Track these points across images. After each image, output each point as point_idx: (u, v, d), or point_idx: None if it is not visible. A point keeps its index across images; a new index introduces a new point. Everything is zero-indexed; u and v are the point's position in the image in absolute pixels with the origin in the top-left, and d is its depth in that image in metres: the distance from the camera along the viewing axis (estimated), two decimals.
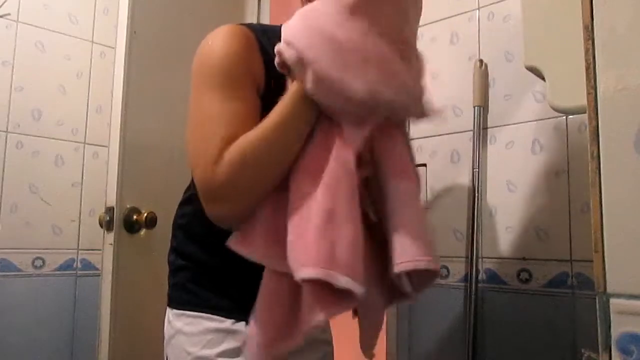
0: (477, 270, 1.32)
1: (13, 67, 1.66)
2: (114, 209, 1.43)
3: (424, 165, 1.47)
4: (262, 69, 0.85)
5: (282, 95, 0.81)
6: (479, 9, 1.41)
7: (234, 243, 0.79)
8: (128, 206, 1.46)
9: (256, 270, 0.81)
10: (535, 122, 1.29)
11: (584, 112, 0.48)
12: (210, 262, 0.91)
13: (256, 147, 0.77)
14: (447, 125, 1.44)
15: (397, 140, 0.85)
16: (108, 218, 1.43)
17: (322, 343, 1.05)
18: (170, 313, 0.94)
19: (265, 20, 2.17)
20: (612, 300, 0.44)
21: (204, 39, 0.91)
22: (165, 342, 0.94)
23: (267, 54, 0.85)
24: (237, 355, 0.84)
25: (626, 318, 0.44)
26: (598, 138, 0.46)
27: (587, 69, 0.47)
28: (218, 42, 0.86)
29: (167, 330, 0.94)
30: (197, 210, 0.84)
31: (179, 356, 0.88)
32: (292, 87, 0.80)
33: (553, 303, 1.21)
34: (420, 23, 1.53)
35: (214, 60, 0.85)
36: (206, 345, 0.86)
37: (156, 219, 1.48)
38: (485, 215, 1.34)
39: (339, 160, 0.76)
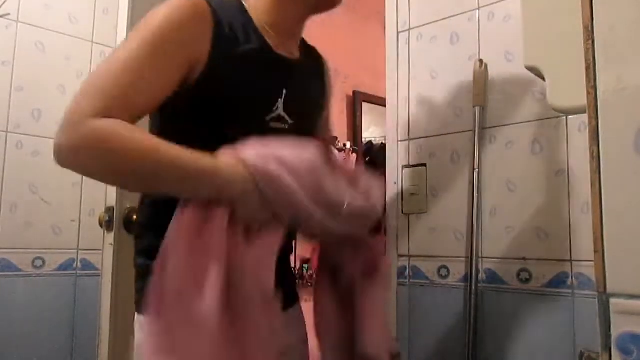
0: (477, 270, 1.32)
1: (13, 67, 1.66)
2: (114, 209, 1.43)
3: (424, 165, 1.47)
4: (208, 43, 0.84)
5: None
6: (479, 9, 1.41)
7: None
8: (128, 206, 1.46)
9: None
10: (535, 122, 1.29)
11: (584, 112, 0.48)
12: None
13: (135, 153, 0.73)
14: (447, 125, 1.44)
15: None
16: (108, 218, 1.43)
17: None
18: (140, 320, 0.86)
19: None
20: (612, 300, 0.44)
21: None
22: (136, 351, 0.87)
23: (221, 27, 0.85)
24: None
25: (626, 318, 0.44)
26: (598, 138, 0.46)
27: (587, 69, 0.47)
28: (165, 7, 0.84)
29: (138, 338, 0.86)
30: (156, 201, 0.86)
31: None
32: (237, 164, 0.76)
33: (553, 303, 1.21)
34: (420, 23, 1.54)
35: (153, 21, 0.83)
36: None
37: None
38: (485, 215, 1.34)
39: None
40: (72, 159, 0.74)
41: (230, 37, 0.86)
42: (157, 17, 0.83)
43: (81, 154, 0.73)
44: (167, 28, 0.82)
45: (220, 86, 0.86)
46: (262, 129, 0.89)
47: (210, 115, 0.87)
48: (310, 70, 1.06)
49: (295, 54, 1.02)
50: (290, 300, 1.00)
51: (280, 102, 0.92)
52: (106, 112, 0.73)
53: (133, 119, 0.77)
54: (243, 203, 0.75)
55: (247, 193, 0.75)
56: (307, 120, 1.00)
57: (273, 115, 0.91)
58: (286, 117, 0.92)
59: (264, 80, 0.92)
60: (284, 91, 0.92)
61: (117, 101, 0.75)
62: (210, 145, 0.78)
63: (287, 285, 0.97)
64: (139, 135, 0.75)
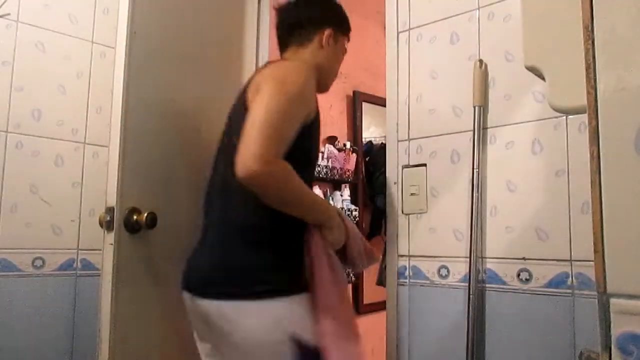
0: (477, 270, 1.32)
1: (13, 67, 1.66)
2: (114, 209, 1.43)
3: (424, 165, 1.47)
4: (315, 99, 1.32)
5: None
6: (479, 9, 1.41)
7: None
8: (128, 206, 1.46)
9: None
10: (535, 122, 1.29)
11: (584, 112, 0.48)
12: None
13: (295, 185, 1.18)
14: (447, 125, 1.44)
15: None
16: (108, 218, 1.43)
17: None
18: None
19: (265, 20, 2.17)
20: (612, 300, 0.44)
21: (285, 65, 1.39)
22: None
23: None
24: None
25: (626, 318, 0.44)
26: (598, 138, 0.46)
27: (587, 69, 0.47)
28: (299, 72, 1.29)
29: (295, 310, 1.23)
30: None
31: None
32: (334, 208, 1.36)
33: (553, 303, 1.21)
34: (420, 23, 1.54)
35: (293, 82, 1.24)
36: None
37: (156, 219, 1.48)
38: (485, 215, 1.34)
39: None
40: (262, 184, 1.13)
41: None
42: (296, 79, 1.25)
43: (270, 182, 1.14)
44: (305, 88, 1.26)
45: (316, 132, 1.35)
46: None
47: (305, 148, 1.28)
48: None
49: None
50: None
51: None
52: (279, 154, 1.13)
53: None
54: (337, 229, 1.26)
55: (339, 225, 1.27)
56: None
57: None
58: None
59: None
60: None
61: (281, 146, 1.15)
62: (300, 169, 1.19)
63: None
64: (297, 178, 1.18)
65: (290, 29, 1.44)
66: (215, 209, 1.35)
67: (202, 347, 1.33)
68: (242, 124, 1.16)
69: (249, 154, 1.10)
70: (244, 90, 1.32)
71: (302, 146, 1.22)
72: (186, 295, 1.31)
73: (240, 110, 1.27)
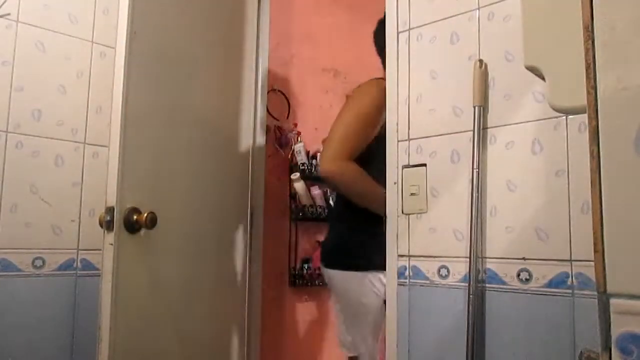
0: (477, 270, 1.32)
1: (13, 67, 1.66)
2: (114, 209, 1.43)
3: (424, 165, 1.47)
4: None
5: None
6: (479, 9, 1.41)
7: None
8: (128, 206, 1.46)
9: None
10: (535, 122, 1.29)
11: (584, 112, 0.48)
12: None
13: (364, 182, 1.64)
14: (447, 125, 1.44)
15: None
16: (108, 218, 1.43)
17: None
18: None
19: (265, 20, 2.17)
20: (612, 300, 0.44)
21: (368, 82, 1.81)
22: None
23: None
24: None
25: (626, 318, 0.44)
26: (598, 138, 0.46)
27: (587, 69, 0.47)
28: (374, 87, 1.68)
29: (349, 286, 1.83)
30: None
31: None
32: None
33: (553, 303, 1.21)
34: (420, 23, 1.54)
35: (368, 95, 1.69)
36: None
37: (156, 219, 1.48)
38: (485, 215, 1.34)
39: None
40: (334, 181, 1.66)
41: None
42: (371, 93, 1.68)
43: (340, 179, 1.62)
44: (378, 101, 1.59)
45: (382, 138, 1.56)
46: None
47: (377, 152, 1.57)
48: None
49: None
50: None
51: None
52: (352, 156, 1.60)
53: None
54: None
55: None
56: None
57: None
58: None
59: None
60: None
61: (355, 150, 1.60)
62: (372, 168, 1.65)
63: None
64: (366, 176, 1.65)
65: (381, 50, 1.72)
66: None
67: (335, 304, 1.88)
68: None
69: (324, 157, 1.61)
70: None
71: (370, 148, 1.62)
72: (322, 265, 1.90)
73: None
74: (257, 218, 2.09)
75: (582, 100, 0.48)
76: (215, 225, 1.88)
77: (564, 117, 1.23)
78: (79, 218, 1.76)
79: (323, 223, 2.70)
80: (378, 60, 1.81)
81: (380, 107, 1.58)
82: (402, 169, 1.52)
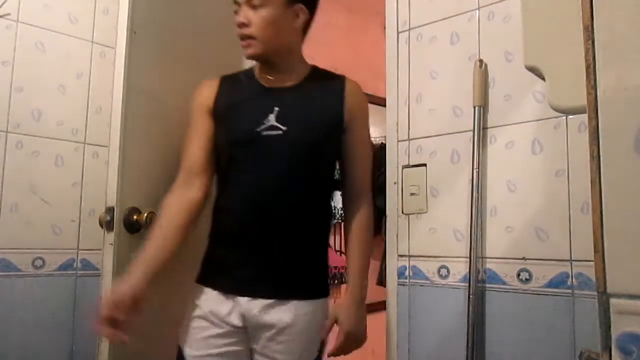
0: (477, 270, 1.32)
1: (13, 67, 1.66)
2: (114, 209, 1.43)
3: (424, 165, 1.47)
4: (213, 98, 1.33)
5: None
6: (479, 9, 1.41)
7: None
8: (128, 206, 1.46)
9: None
10: (535, 122, 1.29)
11: (584, 112, 0.48)
12: None
13: None
14: (447, 125, 1.44)
15: None
16: (108, 218, 1.42)
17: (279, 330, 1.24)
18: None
19: None
20: (612, 300, 0.44)
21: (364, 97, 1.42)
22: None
23: (222, 91, 1.35)
24: None
25: (626, 318, 0.44)
26: (598, 138, 0.46)
27: (587, 69, 0.47)
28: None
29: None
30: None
31: None
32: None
33: (553, 303, 1.21)
34: (420, 23, 1.54)
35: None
36: None
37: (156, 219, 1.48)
38: (485, 215, 1.34)
39: None
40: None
41: (229, 92, 1.35)
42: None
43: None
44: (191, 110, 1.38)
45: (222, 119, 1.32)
46: (257, 136, 1.25)
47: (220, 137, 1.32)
48: (311, 91, 1.33)
49: (290, 82, 1.32)
50: None
51: (272, 116, 1.25)
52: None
53: None
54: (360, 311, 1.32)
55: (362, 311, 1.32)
56: (302, 127, 1.27)
57: (264, 126, 1.25)
58: (279, 125, 1.24)
59: (252, 105, 1.31)
60: (276, 108, 1.26)
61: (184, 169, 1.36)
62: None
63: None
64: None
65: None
66: None
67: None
68: (329, 129, 1.28)
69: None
70: (339, 92, 1.34)
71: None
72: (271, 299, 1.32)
73: (330, 115, 1.31)
74: None
75: (582, 100, 0.48)
76: None
77: (564, 117, 1.23)
78: (79, 218, 1.76)
79: None
80: (379, 60, 1.81)
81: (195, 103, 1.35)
82: (402, 169, 1.52)
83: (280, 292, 1.22)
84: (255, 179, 1.25)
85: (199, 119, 1.32)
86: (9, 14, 1.65)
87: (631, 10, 0.46)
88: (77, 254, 1.75)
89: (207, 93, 1.34)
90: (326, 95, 1.34)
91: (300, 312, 1.21)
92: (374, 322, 3.38)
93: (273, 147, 1.24)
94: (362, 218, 1.32)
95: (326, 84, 1.36)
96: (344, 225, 1.38)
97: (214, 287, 1.24)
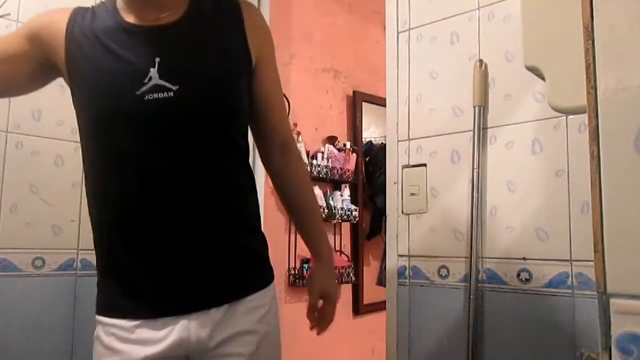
0: (477, 270, 1.32)
1: None
2: None
3: (424, 165, 1.47)
4: (61, 42, 0.94)
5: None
6: (479, 9, 1.41)
7: None
8: None
9: None
10: (535, 122, 1.29)
11: (584, 112, 0.48)
12: None
13: None
14: (447, 125, 1.44)
15: None
16: None
17: (252, 333, 0.97)
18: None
19: (265, 19, 2.16)
20: (612, 300, 0.44)
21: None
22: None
23: (72, 29, 0.95)
24: None
25: (626, 318, 0.44)
26: (598, 138, 0.46)
27: (587, 69, 0.47)
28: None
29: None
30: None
31: None
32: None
33: (553, 303, 1.21)
34: (420, 23, 1.54)
35: None
36: None
37: None
38: (485, 215, 1.34)
39: None
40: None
41: (86, 35, 0.94)
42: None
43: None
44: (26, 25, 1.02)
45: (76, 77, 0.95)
46: (138, 103, 0.89)
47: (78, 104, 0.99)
48: (199, 27, 0.98)
49: (168, 17, 0.96)
50: None
51: (154, 71, 0.90)
52: None
53: None
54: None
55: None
56: (199, 81, 0.94)
57: (145, 87, 0.89)
58: (166, 84, 0.90)
59: (124, 56, 0.92)
60: (156, 59, 0.91)
61: None
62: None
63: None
64: None
65: None
66: None
67: None
68: (234, 65, 0.98)
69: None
70: (237, 25, 1.01)
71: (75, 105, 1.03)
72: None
73: (234, 57, 1.00)
74: None
75: (582, 100, 0.48)
76: None
77: (564, 117, 1.23)
78: (79, 218, 1.76)
79: (325, 223, 2.70)
80: (379, 60, 1.81)
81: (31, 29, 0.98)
82: (402, 169, 1.52)
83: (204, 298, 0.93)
84: (140, 165, 0.91)
85: (24, 38, 0.96)
86: (9, 14, 1.65)
87: (631, 10, 0.46)
88: (77, 254, 1.74)
89: (51, 31, 0.95)
90: (221, 30, 1.00)
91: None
92: (374, 322, 3.38)
93: (162, 117, 0.90)
94: (299, 173, 1.12)
95: (217, 14, 1.01)
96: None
97: (124, 316, 0.91)
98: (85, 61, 0.93)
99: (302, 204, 1.12)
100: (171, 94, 0.89)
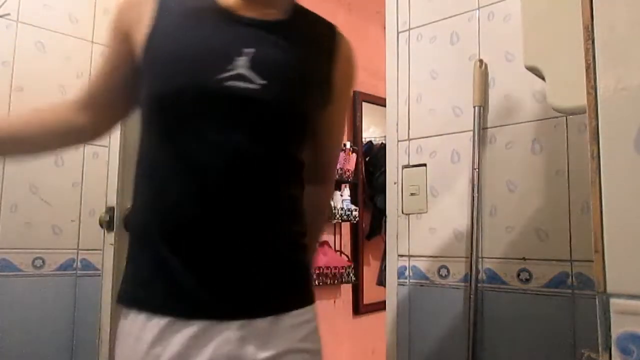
0: (477, 270, 1.32)
1: (13, 67, 1.66)
2: (114, 208, 1.43)
3: (424, 165, 1.47)
4: (146, 21, 0.89)
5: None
6: (479, 9, 1.41)
7: None
8: (128, 206, 1.46)
9: None
10: (535, 122, 1.29)
11: (584, 112, 0.48)
12: None
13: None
14: (447, 125, 1.44)
15: None
16: (108, 218, 1.43)
17: (301, 352, 0.89)
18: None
19: None
20: (612, 300, 0.44)
21: None
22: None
23: (162, 13, 0.89)
24: None
25: (626, 318, 0.44)
26: (598, 138, 0.46)
27: (587, 69, 0.47)
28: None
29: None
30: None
31: None
32: None
33: (553, 303, 1.21)
34: (420, 23, 1.54)
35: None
36: None
37: None
38: (485, 215, 1.34)
39: None
40: None
41: (171, 14, 0.90)
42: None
43: None
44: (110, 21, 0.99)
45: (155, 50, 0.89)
46: (217, 87, 0.84)
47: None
48: (300, 35, 0.96)
49: (273, 15, 0.93)
50: None
51: (243, 60, 0.85)
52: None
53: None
54: None
55: None
56: (288, 85, 0.89)
57: (228, 74, 0.85)
58: (254, 77, 0.85)
59: (211, 38, 0.89)
60: (250, 50, 0.86)
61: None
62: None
63: None
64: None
65: None
66: None
67: None
68: (315, 91, 0.94)
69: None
70: (330, 52, 0.98)
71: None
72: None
73: (321, 77, 0.96)
74: None
75: (582, 100, 0.48)
76: None
77: (564, 117, 1.23)
78: (79, 218, 1.76)
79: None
80: (379, 60, 1.81)
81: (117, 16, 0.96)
82: (402, 169, 1.52)
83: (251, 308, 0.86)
84: (206, 153, 0.84)
85: (114, 41, 0.96)
86: (9, 14, 1.65)
87: (631, 10, 0.46)
88: (77, 254, 1.75)
89: (136, 12, 0.91)
90: (315, 46, 0.97)
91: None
92: (374, 322, 3.37)
93: (237, 107, 0.85)
94: (322, 200, 1.11)
95: (315, 33, 1.00)
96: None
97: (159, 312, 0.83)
98: (168, 33, 0.88)
99: (317, 219, 1.07)
100: (257, 86, 0.85)
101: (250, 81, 0.84)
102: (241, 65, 0.85)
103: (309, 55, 0.95)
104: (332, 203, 2.97)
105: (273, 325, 0.85)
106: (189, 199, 0.84)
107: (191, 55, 0.86)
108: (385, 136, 1.61)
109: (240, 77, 0.84)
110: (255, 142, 0.86)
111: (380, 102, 1.98)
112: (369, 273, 3.24)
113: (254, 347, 0.82)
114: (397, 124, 1.54)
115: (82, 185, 1.78)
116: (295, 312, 0.89)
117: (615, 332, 0.44)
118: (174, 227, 0.84)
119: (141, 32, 0.89)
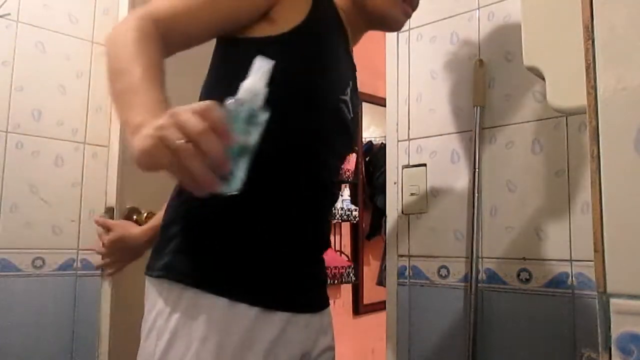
0: (477, 270, 1.32)
1: (13, 67, 1.66)
2: (114, 209, 1.43)
3: (424, 165, 1.47)
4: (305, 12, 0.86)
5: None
6: (479, 9, 1.41)
7: None
8: (128, 206, 1.46)
9: None
10: (535, 122, 1.29)
11: (584, 112, 0.48)
12: None
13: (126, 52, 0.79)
14: (447, 125, 1.44)
15: None
16: (108, 218, 1.43)
17: (328, 350, 0.98)
18: None
19: None
20: (612, 300, 0.44)
21: None
22: None
23: (316, 16, 0.88)
24: None
25: (626, 318, 0.44)
26: (598, 138, 0.46)
27: (587, 69, 0.47)
28: None
29: None
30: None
31: None
32: None
33: (553, 303, 1.21)
34: (420, 23, 1.54)
35: None
36: None
37: None
38: (485, 215, 1.34)
39: None
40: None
41: (323, 24, 0.91)
42: None
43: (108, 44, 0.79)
44: None
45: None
46: (338, 107, 0.91)
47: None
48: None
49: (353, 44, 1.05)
50: None
51: (349, 89, 0.94)
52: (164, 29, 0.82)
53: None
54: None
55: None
56: (356, 117, 1.00)
57: (343, 97, 0.92)
58: (350, 106, 0.94)
59: (340, 62, 0.94)
60: (350, 83, 0.96)
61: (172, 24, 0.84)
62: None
63: None
64: (135, 47, 0.76)
65: None
66: None
67: None
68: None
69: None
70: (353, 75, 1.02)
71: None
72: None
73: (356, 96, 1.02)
74: None
75: (582, 100, 0.48)
76: None
77: (564, 117, 1.23)
78: (79, 218, 1.76)
79: None
80: (379, 60, 1.81)
81: None
82: (402, 169, 1.52)
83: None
84: (324, 164, 0.93)
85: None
86: (9, 14, 1.65)
87: (631, 10, 0.46)
88: (77, 254, 1.74)
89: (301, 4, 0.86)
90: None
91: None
92: (374, 322, 3.38)
93: (342, 129, 0.94)
94: None
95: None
96: None
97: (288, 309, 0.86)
98: (321, 37, 0.88)
99: None
100: (350, 116, 0.94)
101: (348, 108, 0.93)
102: (348, 92, 0.93)
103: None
104: None
105: (323, 318, 0.97)
106: (323, 219, 0.97)
107: (334, 72, 0.91)
108: (385, 136, 1.61)
109: (347, 104, 0.93)
110: (338, 169, 1.02)
111: (380, 102, 1.98)
112: (369, 273, 3.24)
113: (323, 334, 0.96)
114: (397, 124, 1.54)
115: (82, 185, 1.78)
116: (327, 310, 1.01)
117: (615, 332, 0.44)
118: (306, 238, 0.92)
119: (289, 9, 0.84)
